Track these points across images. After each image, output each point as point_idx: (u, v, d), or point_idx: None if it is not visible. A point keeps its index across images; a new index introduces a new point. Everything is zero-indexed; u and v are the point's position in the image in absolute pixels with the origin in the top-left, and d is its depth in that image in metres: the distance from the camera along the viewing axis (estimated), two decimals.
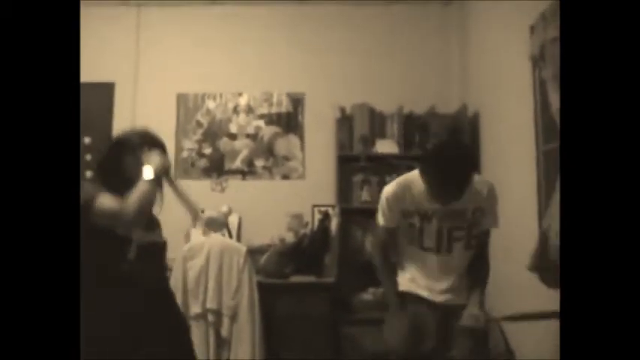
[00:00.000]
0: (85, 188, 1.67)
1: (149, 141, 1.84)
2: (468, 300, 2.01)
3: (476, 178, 2.08)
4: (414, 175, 2.04)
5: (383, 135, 3.69)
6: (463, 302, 2.03)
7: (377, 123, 3.71)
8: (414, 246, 2.07)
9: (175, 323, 1.89)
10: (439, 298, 2.05)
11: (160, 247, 1.91)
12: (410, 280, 2.11)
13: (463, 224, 2.01)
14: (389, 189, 2.06)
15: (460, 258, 2.05)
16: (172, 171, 1.88)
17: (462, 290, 2.06)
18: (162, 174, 1.78)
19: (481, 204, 2.01)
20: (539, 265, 2.19)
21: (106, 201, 1.67)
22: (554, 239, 2.08)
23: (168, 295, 1.95)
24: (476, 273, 2.08)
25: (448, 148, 1.96)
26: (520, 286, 2.46)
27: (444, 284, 2.05)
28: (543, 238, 2.21)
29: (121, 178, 1.76)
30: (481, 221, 2.03)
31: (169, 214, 1.92)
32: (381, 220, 2.10)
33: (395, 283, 2.13)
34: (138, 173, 1.72)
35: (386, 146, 3.64)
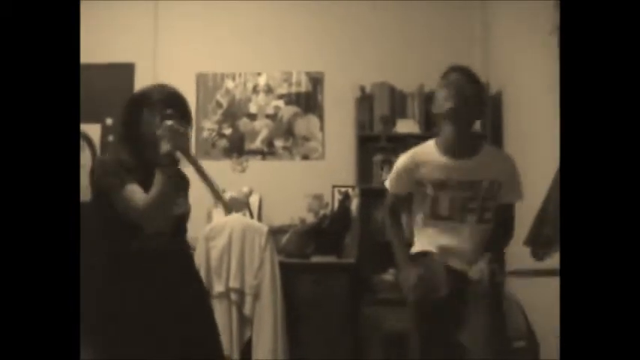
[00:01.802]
0: (109, 172, 1.64)
1: (168, 102, 1.70)
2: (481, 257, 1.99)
3: (495, 150, 2.12)
4: (429, 145, 2.10)
5: (403, 114, 3.66)
6: None
7: (397, 102, 3.67)
8: (427, 215, 2.08)
9: (199, 293, 1.88)
10: (452, 262, 2.04)
11: (184, 218, 1.85)
12: (422, 244, 2.12)
13: (477, 196, 2.01)
14: (402, 159, 2.13)
15: (473, 230, 2.04)
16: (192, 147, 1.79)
17: (478, 257, 2.04)
18: (180, 152, 1.63)
19: (499, 177, 2.02)
20: (534, 240, 2.17)
21: (128, 195, 1.61)
22: (553, 215, 2.06)
23: (192, 268, 1.92)
24: (494, 238, 2.07)
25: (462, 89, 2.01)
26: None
27: (457, 250, 2.05)
28: (542, 213, 2.18)
29: (139, 138, 1.71)
30: (498, 194, 2.03)
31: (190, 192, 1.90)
32: (389, 186, 2.17)
33: (403, 241, 2.17)
34: (156, 136, 1.63)
35: (406, 126, 3.61)
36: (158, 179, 1.60)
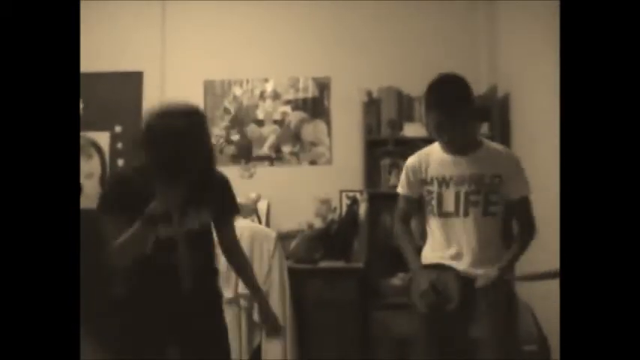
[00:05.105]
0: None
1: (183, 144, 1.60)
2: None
3: (496, 146, 2.18)
4: (434, 145, 2.19)
5: (411, 118, 3.66)
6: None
7: (405, 106, 3.67)
8: (435, 214, 2.13)
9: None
10: (462, 267, 2.06)
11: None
12: (432, 251, 2.16)
13: (480, 189, 2.06)
14: (410, 160, 2.23)
15: (478, 223, 2.06)
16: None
17: (489, 260, 2.06)
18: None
19: (500, 171, 2.07)
20: None
21: (110, 227, 1.60)
22: None
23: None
24: (516, 237, 2.13)
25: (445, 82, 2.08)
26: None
27: (467, 252, 2.07)
28: None
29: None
30: (500, 188, 2.06)
31: None
32: (400, 189, 2.25)
33: (414, 248, 2.22)
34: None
35: (414, 129, 3.60)
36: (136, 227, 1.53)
